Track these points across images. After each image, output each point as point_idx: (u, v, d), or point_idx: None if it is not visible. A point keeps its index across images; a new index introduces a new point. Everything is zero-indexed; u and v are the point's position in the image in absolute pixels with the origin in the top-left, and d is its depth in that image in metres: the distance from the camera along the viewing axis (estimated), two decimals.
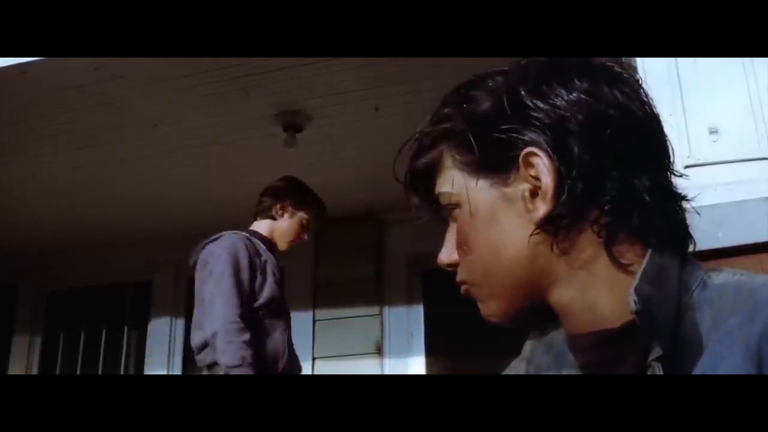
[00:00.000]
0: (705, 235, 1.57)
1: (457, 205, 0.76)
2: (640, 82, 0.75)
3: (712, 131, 1.73)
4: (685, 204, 0.74)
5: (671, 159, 0.75)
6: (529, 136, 0.70)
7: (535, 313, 0.75)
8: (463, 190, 0.75)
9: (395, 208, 4.30)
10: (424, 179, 0.79)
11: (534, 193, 0.71)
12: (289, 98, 3.49)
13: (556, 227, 0.70)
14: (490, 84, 0.75)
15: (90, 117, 3.56)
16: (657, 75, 1.78)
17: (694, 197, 0.76)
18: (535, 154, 0.70)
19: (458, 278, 0.78)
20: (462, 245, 0.76)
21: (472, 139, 0.73)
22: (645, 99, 0.74)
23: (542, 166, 0.70)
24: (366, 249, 4.80)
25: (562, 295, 0.73)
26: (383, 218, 4.72)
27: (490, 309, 0.76)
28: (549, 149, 0.70)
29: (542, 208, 0.70)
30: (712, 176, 1.67)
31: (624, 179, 0.69)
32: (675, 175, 0.74)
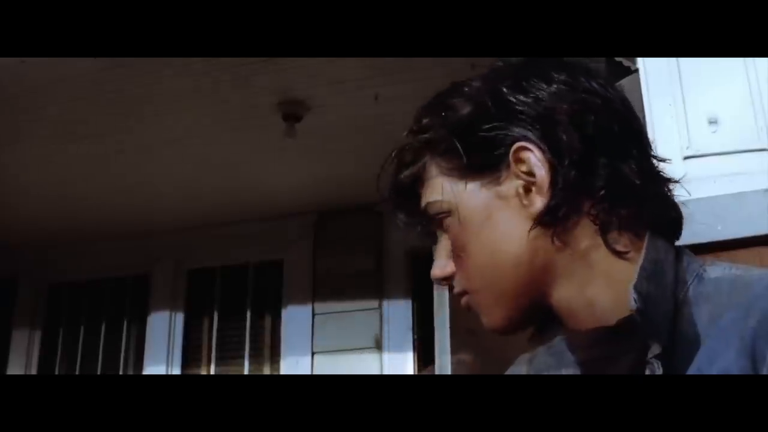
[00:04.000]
0: (705, 228, 1.57)
1: (448, 213, 0.76)
2: (612, 81, 0.77)
3: (712, 122, 1.72)
4: (675, 188, 0.75)
5: (651, 147, 0.76)
6: (517, 131, 0.71)
7: (537, 314, 0.75)
8: (453, 196, 0.75)
9: None
10: (408, 194, 0.79)
11: (528, 188, 0.71)
12: (289, 88, 3.48)
13: (555, 219, 0.70)
14: (467, 90, 0.75)
15: (88, 107, 3.55)
16: (656, 65, 1.77)
17: (681, 179, 0.76)
18: (526, 148, 0.71)
19: (456, 290, 0.78)
20: (458, 252, 0.76)
21: (457, 144, 0.73)
22: (618, 91, 0.76)
23: (534, 159, 0.70)
24: (365, 241, 4.79)
25: (562, 293, 0.73)
26: (383, 209, 4.70)
27: (493, 317, 0.76)
28: (538, 141, 0.70)
29: (539, 201, 0.71)
30: (711, 167, 1.67)
31: (613, 166, 0.70)
32: (658, 159, 0.75)
